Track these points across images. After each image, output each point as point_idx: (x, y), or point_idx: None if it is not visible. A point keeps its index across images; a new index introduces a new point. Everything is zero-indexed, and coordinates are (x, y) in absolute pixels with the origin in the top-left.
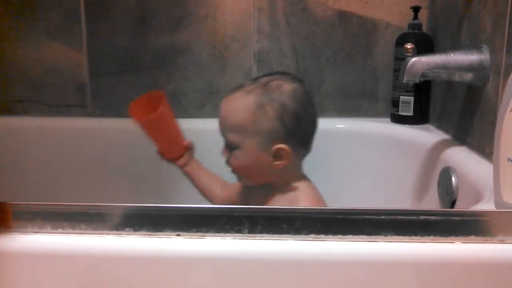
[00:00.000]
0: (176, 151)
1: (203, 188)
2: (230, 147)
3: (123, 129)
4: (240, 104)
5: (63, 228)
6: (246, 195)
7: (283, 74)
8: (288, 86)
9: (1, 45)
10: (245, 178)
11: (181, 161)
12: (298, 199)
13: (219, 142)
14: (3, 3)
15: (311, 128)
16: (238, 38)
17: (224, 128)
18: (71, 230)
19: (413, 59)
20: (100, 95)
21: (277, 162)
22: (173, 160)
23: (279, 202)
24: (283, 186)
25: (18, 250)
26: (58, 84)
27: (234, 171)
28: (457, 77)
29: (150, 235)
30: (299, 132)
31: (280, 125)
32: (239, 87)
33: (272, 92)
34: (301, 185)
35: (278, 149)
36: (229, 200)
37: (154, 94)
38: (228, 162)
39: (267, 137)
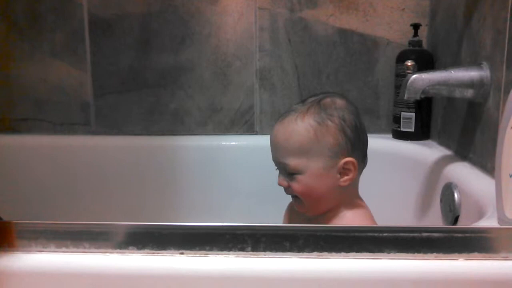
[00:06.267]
0: None
1: None
2: (291, 173)
3: (126, 146)
4: (300, 126)
5: (67, 247)
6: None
7: (328, 92)
8: (340, 101)
9: (6, 64)
10: (311, 203)
11: None
12: (356, 222)
13: (222, 158)
14: (8, 23)
15: (366, 138)
16: (240, 57)
17: (284, 155)
18: (74, 249)
19: (414, 76)
20: (104, 113)
21: (345, 178)
22: None
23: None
24: (345, 210)
25: (22, 269)
26: (62, 102)
27: (299, 197)
28: (457, 93)
29: (153, 253)
30: (360, 143)
31: (344, 138)
32: (290, 111)
33: (328, 108)
34: (360, 209)
35: (346, 162)
36: None
37: None
38: (289, 190)
39: (333, 153)
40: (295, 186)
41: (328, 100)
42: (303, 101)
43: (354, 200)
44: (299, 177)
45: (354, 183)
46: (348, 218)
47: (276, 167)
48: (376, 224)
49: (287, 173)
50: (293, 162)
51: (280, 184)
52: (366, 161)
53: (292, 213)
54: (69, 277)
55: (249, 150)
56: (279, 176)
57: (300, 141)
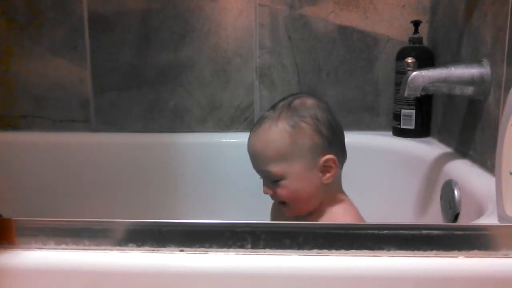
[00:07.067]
0: None
1: None
2: (274, 180)
3: (126, 143)
4: (274, 133)
5: (66, 244)
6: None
7: (297, 93)
8: (310, 100)
9: (6, 61)
10: (298, 206)
11: None
12: (339, 217)
13: (222, 155)
14: (8, 20)
15: (342, 133)
16: (240, 54)
17: (264, 163)
18: (74, 246)
19: (414, 73)
20: (104, 111)
21: (327, 175)
22: None
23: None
24: (328, 206)
25: (22, 266)
26: (62, 99)
27: (286, 202)
28: (458, 90)
29: (153, 250)
30: (336, 139)
31: (320, 137)
32: (262, 119)
33: (299, 110)
34: (342, 203)
35: (325, 160)
36: None
37: None
38: (275, 196)
39: (311, 154)
40: (280, 192)
41: (297, 101)
42: (273, 107)
43: (336, 195)
44: (283, 182)
45: (337, 179)
46: (331, 214)
47: (260, 176)
48: (358, 217)
49: (271, 180)
50: (274, 169)
51: (265, 193)
52: (346, 155)
53: (276, 213)
54: (68, 274)
55: None
56: (263, 185)
57: (277, 147)
